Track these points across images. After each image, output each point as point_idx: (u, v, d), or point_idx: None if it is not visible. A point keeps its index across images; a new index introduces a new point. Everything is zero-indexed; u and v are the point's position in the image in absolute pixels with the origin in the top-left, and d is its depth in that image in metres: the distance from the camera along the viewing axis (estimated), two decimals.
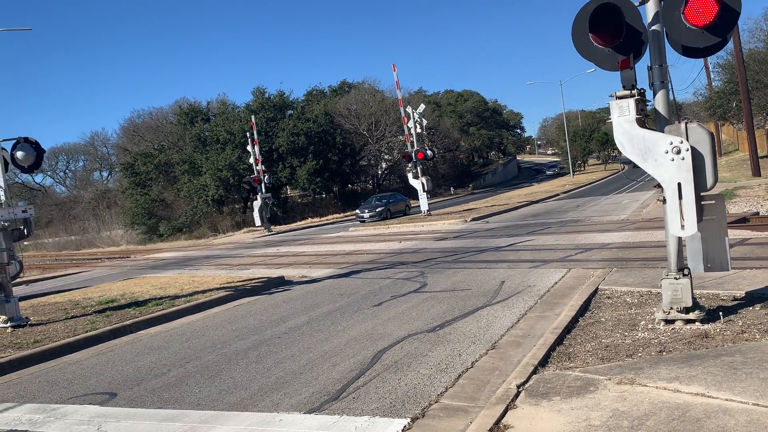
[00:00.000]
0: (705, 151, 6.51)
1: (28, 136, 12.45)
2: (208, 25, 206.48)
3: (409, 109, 33.31)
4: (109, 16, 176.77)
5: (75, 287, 19.10)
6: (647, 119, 7.07)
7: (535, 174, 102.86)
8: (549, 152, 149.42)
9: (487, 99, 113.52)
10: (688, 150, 6.37)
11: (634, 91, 6.79)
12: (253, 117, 44.70)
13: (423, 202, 32.44)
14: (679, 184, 6.40)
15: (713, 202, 6.76)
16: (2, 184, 11.85)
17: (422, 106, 34.94)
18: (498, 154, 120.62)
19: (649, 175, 6.89)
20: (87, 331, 10.72)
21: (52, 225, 77.67)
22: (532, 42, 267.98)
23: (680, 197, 6.40)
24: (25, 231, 12.30)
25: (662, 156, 6.47)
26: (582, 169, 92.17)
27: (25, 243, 13.17)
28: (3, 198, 11.87)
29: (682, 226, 6.44)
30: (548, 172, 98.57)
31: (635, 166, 7.72)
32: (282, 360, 8.00)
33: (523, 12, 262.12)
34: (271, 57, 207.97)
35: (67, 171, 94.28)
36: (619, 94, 6.84)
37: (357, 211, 40.11)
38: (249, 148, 40.90)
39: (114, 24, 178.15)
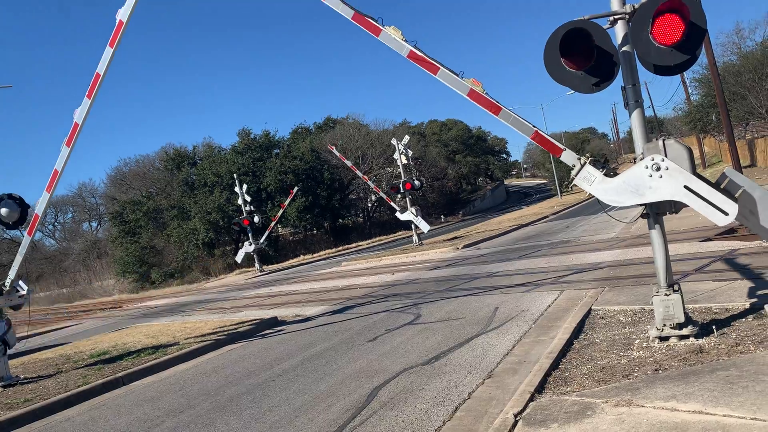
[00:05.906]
0: (684, 167, 6.55)
1: (12, 192, 12.48)
2: (190, 70, 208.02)
3: (394, 141, 33.70)
4: (91, 67, 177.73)
5: (66, 341, 18.82)
6: (609, 164, 7.22)
7: (523, 197, 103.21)
8: (537, 174, 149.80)
9: (471, 126, 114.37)
10: (663, 160, 6.44)
11: (583, 159, 7.03)
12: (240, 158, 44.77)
13: (423, 226, 32.70)
14: (686, 186, 6.39)
15: (728, 179, 6.59)
16: (12, 275, 12.01)
17: (407, 137, 35.27)
18: (486, 179, 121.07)
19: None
20: (79, 386, 10.53)
21: (43, 279, 77.01)
22: (510, 68, 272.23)
23: (697, 195, 6.34)
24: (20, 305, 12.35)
25: (650, 180, 6.52)
26: (569, 189, 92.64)
27: None
28: (7, 287, 12.03)
29: (724, 212, 6.27)
30: None
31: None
32: (277, 404, 7.87)
33: (499, 39, 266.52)
34: (254, 97, 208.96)
35: (55, 224, 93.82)
36: (573, 172, 7.06)
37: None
38: (237, 189, 40.99)
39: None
